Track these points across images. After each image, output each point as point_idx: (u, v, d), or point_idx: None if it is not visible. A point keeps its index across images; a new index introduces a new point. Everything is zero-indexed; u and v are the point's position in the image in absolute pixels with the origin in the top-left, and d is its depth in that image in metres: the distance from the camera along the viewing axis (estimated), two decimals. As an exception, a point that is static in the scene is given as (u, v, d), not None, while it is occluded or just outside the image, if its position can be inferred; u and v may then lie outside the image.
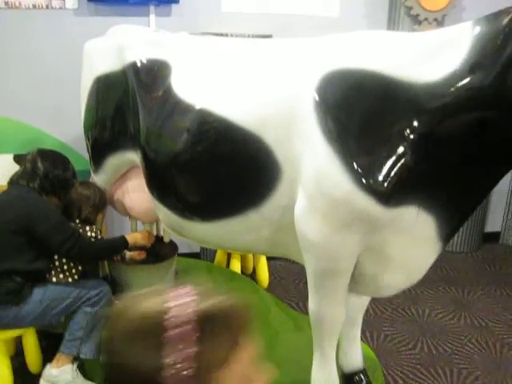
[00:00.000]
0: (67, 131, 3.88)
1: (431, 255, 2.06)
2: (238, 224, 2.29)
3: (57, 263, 2.77)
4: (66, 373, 2.76)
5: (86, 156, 3.10)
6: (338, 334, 2.33)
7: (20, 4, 3.66)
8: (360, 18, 4.29)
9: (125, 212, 3.12)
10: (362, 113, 1.88)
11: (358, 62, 1.93)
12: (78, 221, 2.89)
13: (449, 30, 1.89)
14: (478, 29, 1.76)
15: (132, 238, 2.96)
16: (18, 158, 3.58)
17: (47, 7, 3.71)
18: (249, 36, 3.81)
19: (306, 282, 2.25)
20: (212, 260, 4.16)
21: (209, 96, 2.27)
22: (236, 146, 2.17)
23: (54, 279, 2.75)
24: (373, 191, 1.83)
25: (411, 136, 1.81)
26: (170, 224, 2.61)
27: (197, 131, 2.25)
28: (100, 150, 2.87)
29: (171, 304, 0.90)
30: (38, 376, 2.80)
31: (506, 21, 1.68)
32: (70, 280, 2.78)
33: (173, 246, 3.32)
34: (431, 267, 2.14)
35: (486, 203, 5.01)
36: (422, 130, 1.81)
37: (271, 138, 2.07)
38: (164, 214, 2.56)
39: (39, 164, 2.74)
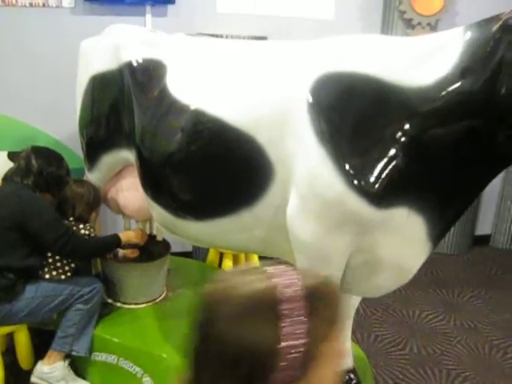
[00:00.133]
0: (62, 129, 3.89)
1: (421, 256, 2.09)
2: (231, 223, 2.31)
3: (50, 260, 2.78)
4: (58, 370, 2.77)
5: (81, 154, 3.11)
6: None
7: (16, 2, 3.66)
8: (354, 21, 4.33)
9: (118, 210, 3.13)
10: (354, 115, 1.90)
11: (351, 65, 1.96)
12: (71, 218, 2.90)
13: (441, 35, 1.93)
14: (469, 34, 1.80)
15: (125, 236, 2.97)
16: (11, 155, 3.58)
17: (44, 5, 3.72)
18: (244, 37, 3.84)
19: (297, 282, 2.27)
20: (204, 259, 4.17)
21: (203, 96, 2.29)
22: (230, 146, 2.19)
23: (47, 276, 2.77)
24: (364, 192, 1.86)
25: (403, 139, 1.84)
26: (164, 222, 2.63)
27: (191, 131, 2.27)
28: (95, 148, 2.88)
29: (278, 280, 0.91)
30: (29, 372, 2.81)
31: (496, 27, 1.71)
32: (62, 277, 2.79)
33: (166, 244, 3.33)
34: (422, 269, 2.17)
35: (477, 206, 5.06)
36: (414, 132, 1.84)
37: (264, 138, 2.09)
38: (157, 212, 2.58)
39: (33, 161, 2.75)
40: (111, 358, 2.82)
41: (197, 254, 4.34)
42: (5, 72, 3.80)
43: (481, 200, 5.08)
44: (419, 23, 4.24)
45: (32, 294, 2.66)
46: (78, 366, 2.92)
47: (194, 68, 2.44)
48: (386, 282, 2.15)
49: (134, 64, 2.58)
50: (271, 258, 4.22)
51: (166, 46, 2.62)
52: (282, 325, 0.86)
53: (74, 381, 2.82)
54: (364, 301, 3.17)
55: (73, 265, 2.84)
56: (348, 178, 1.87)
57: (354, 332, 3.21)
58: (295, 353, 0.86)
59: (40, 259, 2.74)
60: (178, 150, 2.31)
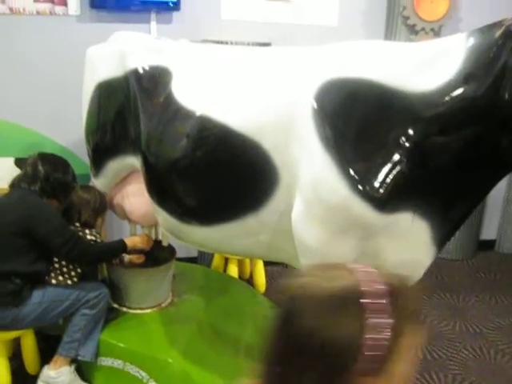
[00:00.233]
0: (68, 136, 3.92)
1: (426, 260, 2.09)
2: (236, 228, 2.32)
3: (56, 265, 2.81)
4: (64, 374, 2.79)
5: (87, 160, 3.13)
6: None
7: (24, 10, 3.70)
8: (358, 27, 4.36)
9: (124, 216, 3.14)
10: (358, 120, 1.92)
11: (355, 71, 1.98)
12: (77, 224, 2.93)
13: (444, 41, 1.94)
14: (472, 40, 1.81)
15: (131, 241, 2.99)
16: (18, 162, 3.61)
17: (50, 13, 3.76)
18: (248, 44, 3.86)
19: (302, 287, 2.28)
20: (209, 265, 4.18)
21: (209, 103, 2.31)
22: (235, 151, 2.21)
23: (54, 281, 2.79)
24: (369, 197, 1.87)
25: (406, 144, 1.86)
26: (169, 228, 2.64)
27: (197, 137, 2.29)
28: (101, 154, 2.90)
29: (360, 276, 0.95)
30: (36, 377, 2.82)
31: (499, 33, 1.73)
32: (69, 282, 2.82)
33: (171, 250, 3.34)
34: (427, 274, 2.17)
35: (482, 211, 5.05)
36: (417, 138, 1.85)
37: (269, 144, 2.11)
38: (163, 217, 2.59)
39: (40, 167, 2.78)
40: (117, 363, 2.83)
41: (202, 259, 4.35)
42: (12, 79, 3.83)
43: (486, 205, 5.08)
44: (423, 29, 4.25)
45: (39, 299, 2.68)
46: (83, 370, 2.93)
47: (200, 74, 2.46)
48: (391, 286, 2.16)
49: (140, 71, 2.60)
50: (277, 263, 4.25)
51: (171, 53, 2.64)
52: (367, 318, 0.89)
53: (79, 385, 2.84)
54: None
55: (79, 270, 2.86)
56: (352, 182, 1.88)
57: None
58: (377, 346, 0.89)
59: (47, 264, 2.76)
60: (184, 155, 2.32)
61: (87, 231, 2.91)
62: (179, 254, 3.43)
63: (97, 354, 2.85)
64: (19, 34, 3.76)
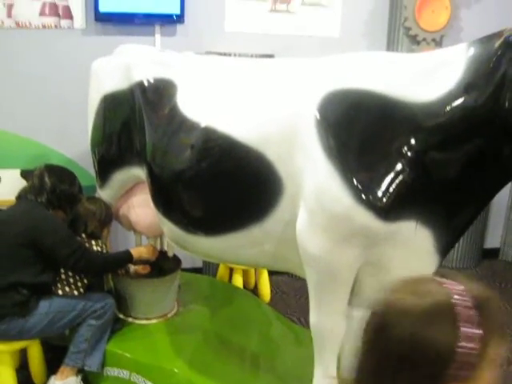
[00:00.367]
0: (74, 148, 3.96)
1: (429, 268, 2.10)
2: (241, 238, 2.34)
3: (63, 276, 2.83)
4: (71, 385, 2.80)
5: (92, 172, 3.16)
6: (338, 346, 2.37)
7: (30, 24, 3.75)
8: (360, 38, 4.39)
9: (130, 227, 3.17)
10: (361, 131, 1.94)
11: (357, 82, 2.00)
12: (83, 235, 2.95)
13: (444, 52, 1.97)
14: (472, 50, 1.84)
15: (136, 252, 3.01)
16: (25, 174, 3.64)
17: (56, 27, 3.81)
18: (251, 55, 3.90)
19: (307, 297, 2.28)
20: (214, 275, 4.20)
21: (213, 114, 2.34)
22: (239, 162, 2.23)
23: (60, 292, 2.81)
24: (372, 206, 1.89)
25: (409, 153, 1.88)
26: (175, 238, 2.66)
27: (201, 148, 2.32)
28: (106, 165, 2.93)
29: (450, 288, 1.01)
30: (43, 388, 2.84)
31: (498, 43, 1.75)
32: (75, 293, 2.83)
33: (176, 260, 3.36)
34: (430, 282, 2.18)
35: (485, 219, 5.06)
36: (419, 147, 1.87)
37: (274, 155, 2.13)
38: (169, 228, 2.62)
39: (46, 179, 2.81)
40: (123, 373, 2.85)
41: (207, 269, 4.37)
42: (18, 92, 3.87)
43: (489, 213, 5.08)
44: (424, 39, 4.28)
45: (45, 309, 2.70)
46: (90, 380, 2.94)
47: (204, 87, 2.49)
48: (395, 294, 2.17)
49: (145, 83, 2.64)
50: (281, 273, 4.26)
51: (175, 66, 2.67)
52: (459, 327, 0.95)
53: (86, 396, 2.85)
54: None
55: (85, 281, 2.88)
56: (356, 192, 1.90)
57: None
58: (469, 354, 0.95)
59: (53, 275, 2.78)
60: (189, 166, 2.35)
61: (93, 242, 2.94)
62: (184, 265, 3.45)
63: (103, 365, 2.87)
64: (26, 47, 3.81)
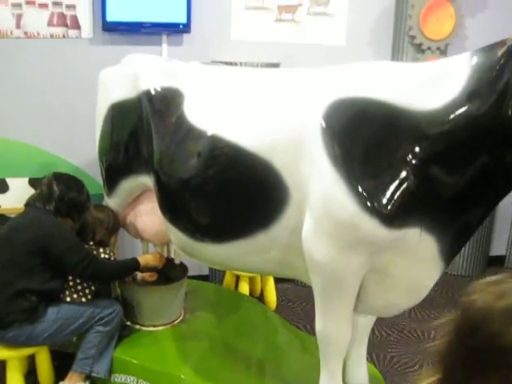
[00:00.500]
0: (81, 156, 3.99)
1: (434, 275, 2.12)
2: (248, 245, 2.36)
3: (71, 283, 2.85)
4: (78, 391, 2.82)
5: (99, 180, 3.19)
6: (344, 353, 2.38)
7: (38, 34, 3.80)
8: (365, 47, 4.42)
9: (137, 234, 3.19)
10: (366, 139, 1.97)
11: (362, 91, 2.03)
12: (91, 243, 2.98)
13: (448, 61, 2.00)
14: (475, 59, 1.86)
15: (143, 259, 3.03)
16: (33, 182, 3.69)
17: (64, 37, 3.86)
18: (257, 64, 3.93)
19: (313, 304, 2.30)
20: (221, 282, 4.21)
21: (220, 123, 2.37)
22: (246, 170, 2.26)
23: (68, 299, 2.83)
24: (377, 214, 1.91)
25: (413, 161, 1.90)
26: (182, 246, 2.68)
27: (208, 156, 2.34)
28: (114, 173, 2.96)
29: None
30: (51, 394, 2.86)
31: (501, 52, 1.78)
32: (83, 300, 2.86)
33: (183, 267, 3.38)
34: (437, 290, 2.20)
35: (491, 227, 5.05)
36: (424, 155, 1.89)
37: (280, 162, 2.16)
38: (176, 235, 2.64)
39: (55, 187, 2.83)
40: (131, 380, 2.86)
41: (213, 277, 4.38)
42: (26, 100, 3.91)
43: (495, 220, 5.08)
44: (429, 48, 4.30)
45: (54, 316, 2.72)
46: (98, 387, 2.96)
47: (211, 95, 2.52)
48: (399, 300, 2.19)
49: (153, 92, 2.67)
50: (287, 281, 4.27)
51: (182, 75, 2.70)
52: None
53: (94, 402, 2.87)
54: (379, 322, 3.18)
55: (93, 288, 2.90)
56: (361, 199, 1.92)
57: (370, 353, 3.22)
58: None
59: (61, 282, 2.81)
60: (196, 174, 2.38)
61: (101, 250, 2.96)
62: (191, 272, 3.47)
63: (110, 371, 2.89)
64: (34, 57, 3.86)
